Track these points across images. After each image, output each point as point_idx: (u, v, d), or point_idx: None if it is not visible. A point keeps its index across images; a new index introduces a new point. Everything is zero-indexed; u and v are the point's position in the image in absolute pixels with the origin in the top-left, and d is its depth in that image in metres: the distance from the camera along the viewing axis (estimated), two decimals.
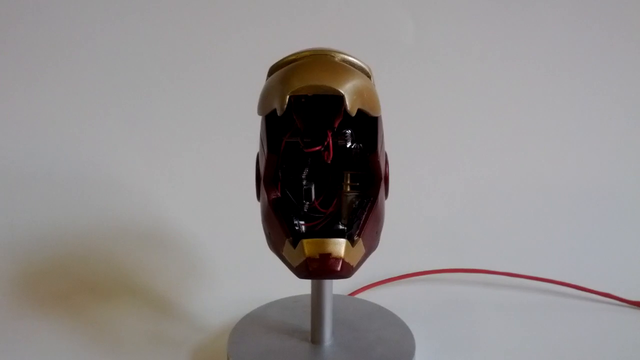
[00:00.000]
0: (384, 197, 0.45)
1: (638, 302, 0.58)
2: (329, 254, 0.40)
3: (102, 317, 0.58)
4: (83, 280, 0.63)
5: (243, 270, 0.64)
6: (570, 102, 0.85)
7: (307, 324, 0.51)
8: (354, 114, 0.40)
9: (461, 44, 0.84)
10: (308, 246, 0.40)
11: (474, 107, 0.83)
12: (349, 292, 0.60)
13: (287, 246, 0.42)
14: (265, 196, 0.43)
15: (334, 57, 0.43)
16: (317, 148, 0.42)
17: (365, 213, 0.42)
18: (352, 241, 0.41)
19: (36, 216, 0.72)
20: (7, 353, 0.54)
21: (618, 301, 0.59)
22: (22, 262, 0.66)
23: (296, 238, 0.41)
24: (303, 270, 0.41)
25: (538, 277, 0.61)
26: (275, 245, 0.43)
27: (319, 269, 0.40)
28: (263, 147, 0.44)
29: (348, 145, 0.44)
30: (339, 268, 0.40)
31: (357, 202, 0.43)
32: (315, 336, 0.50)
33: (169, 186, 0.77)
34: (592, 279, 0.61)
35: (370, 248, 0.43)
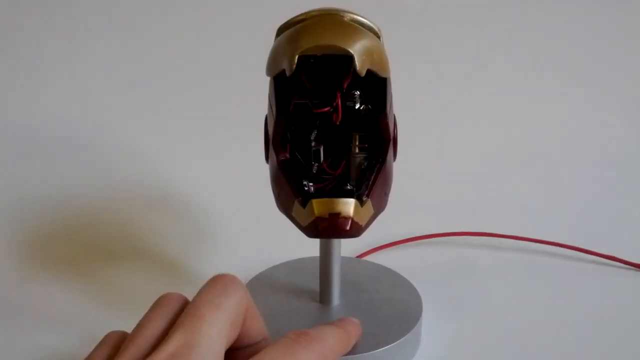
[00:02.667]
0: (393, 159, 0.46)
1: None
2: (338, 214, 0.41)
3: (112, 279, 0.59)
4: (93, 243, 0.64)
5: (251, 232, 0.64)
6: (578, 67, 0.84)
7: (315, 285, 0.51)
8: (363, 74, 0.40)
9: (472, 4, 0.83)
10: (317, 206, 0.41)
11: (483, 70, 0.83)
12: (357, 254, 0.60)
13: (297, 206, 0.42)
14: (274, 158, 0.43)
15: (343, 16, 0.43)
16: (326, 109, 0.42)
17: (374, 174, 0.43)
18: (361, 201, 0.42)
19: (46, 180, 0.73)
20: (17, 315, 0.54)
21: (622, 264, 0.59)
22: (33, 226, 0.66)
23: (305, 198, 0.42)
24: (312, 229, 0.41)
25: (543, 240, 0.61)
26: (285, 206, 0.43)
27: (328, 228, 0.41)
28: (272, 108, 0.45)
29: (357, 107, 0.44)
30: (348, 227, 0.41)
31: (365, 164, 0.43)
32: (323, 296, 0.51)
33: (176, 149, 0.77)
34: (596, 242, 0.61)
35: (379, 208, 0.43)
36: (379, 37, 0.45)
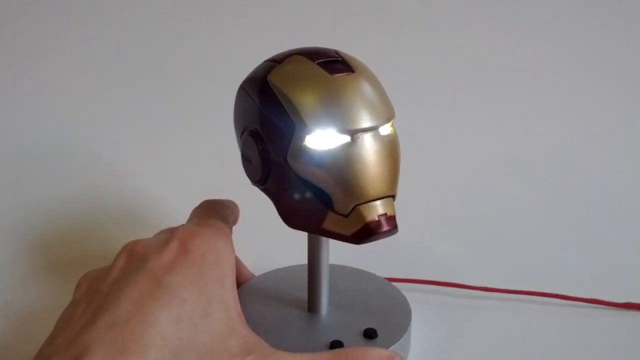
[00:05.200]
0: None
1: (625, 304, 0.56)
2: (385, 214, 0.41)
3: None
4: (88, 249, 0.64)
5: (237, 244, 0.64)
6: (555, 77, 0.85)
7: (303, 293, 0.51)
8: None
9: (467, 7, 0.83)
10: (365, 211, 0.41)
11: (473, 85, 0.83)
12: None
13: (332, 218, 0.41)
14: (292, 174, 0.42)
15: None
16: None
17: None
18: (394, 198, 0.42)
19: (38, 188, 0.73)
20: (13, 318, 0.54)
21: (605, 305, 0.56)
22: (22, 235, 0.66)
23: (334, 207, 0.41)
24: (362, 235, 0.41)
25: (520, 290, 0.57)
26: (311, 222, 0.42)
27: (378, 230, 0.41)
28: None
29: None
30: (396, 225, 0.41)
31: None
32: (312, 305, 0.50)
33: (167, 160, 0.77)
34: (576, 287, 0.58)
35: None
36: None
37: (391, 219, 0.41)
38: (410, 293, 0.53)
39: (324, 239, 0.48)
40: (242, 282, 0.54)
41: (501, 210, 0.73)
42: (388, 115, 0.42)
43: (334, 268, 0.54)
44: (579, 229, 0.70)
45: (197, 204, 0.50)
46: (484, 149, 0.82)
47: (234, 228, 0.48)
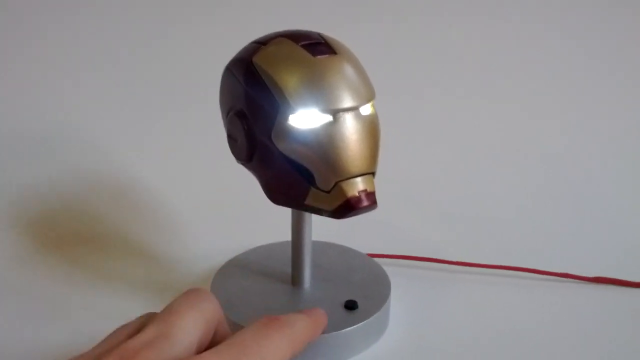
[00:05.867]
0: None
1: (595, 278, 0.58)
2: (365, 190, 0.43)
3: (93, 264, 0.60)
4: (74, 232, 0.65)
5: (225, 220, 0.65)
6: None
7: (287, 268, 0.53)
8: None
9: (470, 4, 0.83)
10: (347, 187, 0.43)
11: (455, 74, 0.83)
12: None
13: (315, 194, 0.43)
14: (276, 151, 0.43)
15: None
16: None
17: None
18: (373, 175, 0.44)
19: (32, 175, 0.73)
20: (6, 298, 0.55)
21: (576, 279, 0.59)
22: (18, 216, 0.67)
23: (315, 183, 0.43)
24: (344, 210, 0.43)
25: (495, 265, 0.60)
26: (294, 198, 0.44)
27: (359, 206, 0.43)
28: None
29: None
30: (375, 201, 0.44)
31: None
32: (295, 279, 0.52)
33: (153, 145, 0.77)
34: (548, 262, 0.61)
35: None
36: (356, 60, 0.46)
37: (371, 195, 0.43)
38: (390, 267, 0.55)
39: (307, 215, 0.50)
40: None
41: (478, 190, 0.75)
42: (369, 95, 0.44)
43: (317, 245, 0.56)
44: (552, 206, 0.72)
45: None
46: (465, 130, 0.83)
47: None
